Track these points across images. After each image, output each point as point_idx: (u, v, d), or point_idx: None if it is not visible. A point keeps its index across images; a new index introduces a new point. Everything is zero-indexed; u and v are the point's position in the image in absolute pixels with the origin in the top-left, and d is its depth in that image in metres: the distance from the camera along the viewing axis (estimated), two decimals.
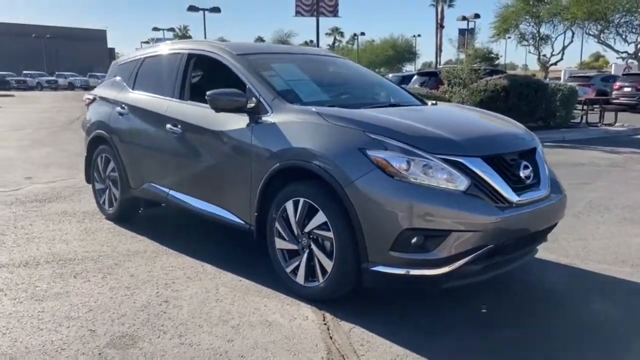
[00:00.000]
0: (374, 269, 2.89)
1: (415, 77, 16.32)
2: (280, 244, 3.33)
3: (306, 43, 60.34)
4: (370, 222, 2.86)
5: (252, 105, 3.50)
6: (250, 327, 2.89)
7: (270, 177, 3.31)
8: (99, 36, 56.37)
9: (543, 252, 4.16)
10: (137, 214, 5.01)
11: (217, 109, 3.52)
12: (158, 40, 45.06)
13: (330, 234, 3.01)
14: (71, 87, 49.51)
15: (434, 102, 4.44)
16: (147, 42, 47.48)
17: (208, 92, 3.49)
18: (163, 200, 4.36)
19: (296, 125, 3.29)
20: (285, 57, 4.56)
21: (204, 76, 4.40)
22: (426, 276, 2.86)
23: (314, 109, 3.32)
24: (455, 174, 2.86)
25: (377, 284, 3.00)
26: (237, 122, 3.57)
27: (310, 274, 3.18)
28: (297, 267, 3.24)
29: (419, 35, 53.99)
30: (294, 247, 3.26)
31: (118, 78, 5.04)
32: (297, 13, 22.72)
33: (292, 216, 3.22)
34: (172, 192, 4.21)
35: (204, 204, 3.91)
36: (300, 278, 3.23)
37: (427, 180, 2.83)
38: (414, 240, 2.80)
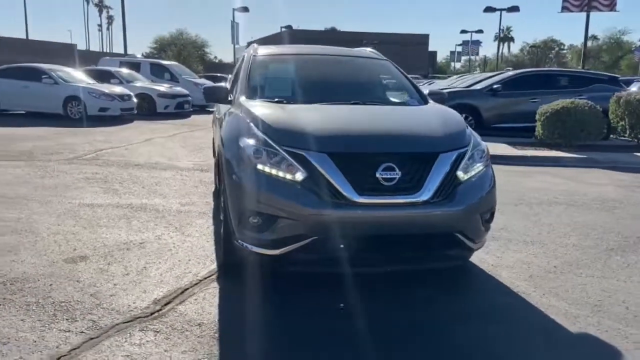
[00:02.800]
0: (236, 241, 3.27)
1: (635, 81, 13.51)
2: (222, 214, 3.93)
3: None
4: (231, 200, 3.26)
5: (231, 97, 4.16)
6: (154, 269, 3.62)
7: (218, 158, 3.93)
8: (422, 41, 60.10)
9: (521, 281, 3.61)
10: None
11: (207, 99, 4.29)
12: (465, 42, 45.79)
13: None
14: None
15: (433, 103, 4.18)
16: (460, 45, 48.86)
17: (203, 86, 4.30)
18: None
19: (232, 116, 3.83)
20: (296, 57, 4.84)
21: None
22: (262, 254, 3.11)
23: (243, 102, 3.78)
24: (295, 166, 3.01)
25: (243, 256, 3.34)
26: (224, 111, 4.28)
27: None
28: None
29: None
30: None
31: (230, 76, 6.20)
32: (564, 9, 19.93)
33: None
34: None
35: None
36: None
37: (271, 169, 3.07)
38: (251, 220, 3.09)
